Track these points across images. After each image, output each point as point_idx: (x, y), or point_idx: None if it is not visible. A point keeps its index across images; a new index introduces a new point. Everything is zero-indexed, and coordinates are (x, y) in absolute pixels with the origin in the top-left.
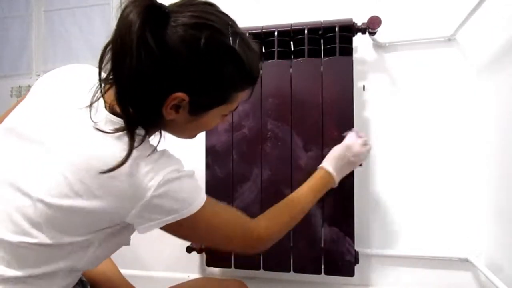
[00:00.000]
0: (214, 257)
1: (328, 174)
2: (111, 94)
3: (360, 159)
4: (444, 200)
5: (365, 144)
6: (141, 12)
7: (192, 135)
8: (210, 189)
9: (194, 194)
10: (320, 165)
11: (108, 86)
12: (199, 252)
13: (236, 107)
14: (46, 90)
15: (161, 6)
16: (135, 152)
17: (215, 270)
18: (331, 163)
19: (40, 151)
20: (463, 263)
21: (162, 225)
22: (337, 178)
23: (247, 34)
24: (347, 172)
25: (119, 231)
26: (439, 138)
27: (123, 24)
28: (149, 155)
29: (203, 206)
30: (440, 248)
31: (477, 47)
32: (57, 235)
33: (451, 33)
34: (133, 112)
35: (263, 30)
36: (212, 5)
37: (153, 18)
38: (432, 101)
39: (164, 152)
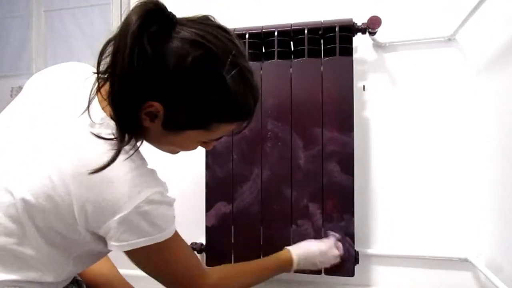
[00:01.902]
0: (214, 257)
1: (291, 263)
2: (106, 90)
3: (323, 265)
4: (444, 200)
5: (337, 256)
6: (142, 15)
7: (170, 151)
8: (210, 189)
9: (169, 223)
10: (289, 249)
11: (102, 82)
12: (199, 252)
13: (220, 138)
14: (38, 88)
15: (167, 13)
16: (127, 164)
17: None
18: (299, 255)
19: (28, 149)
20: (463, 263)
21: (132, 248)
22: (294, 269)
23: (251, 70)
24: (307, 267)
25: (99, 239)
26: (439, 138)
27: (125, 22)
28: (138, 168)
29: (172, 237)
30: (440, 248)
31: (477, 47)
32: (38, 238)
33: (451, 33)
34: (117, 112)
35: (263, 30)
36: (225, 30)
37: (154, 23)
38: (432, 101)
39: (153, 171)
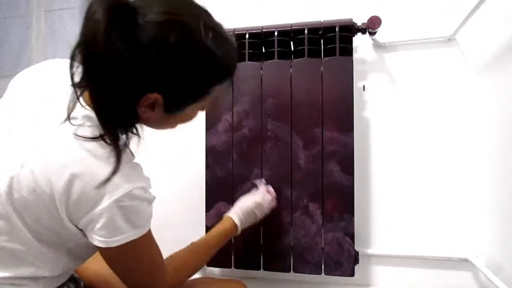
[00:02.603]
0: (214, 257)
1: (234, 225)
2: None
3: (263, 214)
4: (444, 200)
5: (272, 200)
6: (106, 11)
7: (172, 127)
8: (210, 189)
9: (145, 221)
10: (227, 215)
11: (80, 92)
12: None
13: (217, 98)
14: (24, 86)
15: (127, 2)
16: (111, 155)
17: (215, 270)
18: (238, 216)
19: (12, 144)
20: (463, 263)
21: (108, 245)
22: (240, 229)
23: (220, 25)
24: (250, 223)
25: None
26: (439, 138)
27: (89, 25)
28: (123, 162)
29: (145, 234)
30: (440, 248)
31: (477, 47)
32: (27, 233)
33: (451, 33)
34: (109, 114)
35: (263, 30)
36: None
37: (119, 17)
38: (432, 101)
39: (138, 165)
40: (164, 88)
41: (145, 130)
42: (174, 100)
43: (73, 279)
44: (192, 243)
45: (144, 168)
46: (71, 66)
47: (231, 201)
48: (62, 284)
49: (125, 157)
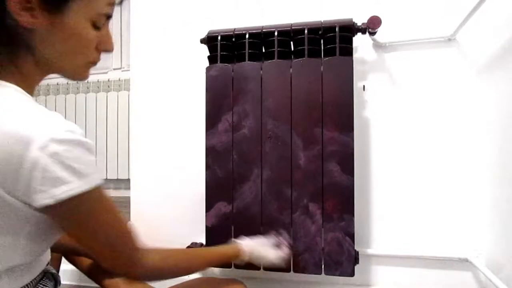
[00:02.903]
0: None
1: (241, 252)
2: None
3: (267, 263)
4: (444, 200)
5: (282, 259)
6: None
7: (75, 63)
8: (210, 189)
9: (91, 169)
10: (240, 243)
11: None
12: None
13: (107, 13)
14: None
15: None
16: (17, 96)
17: (215, 270)
18: (249, 248)
19: None
20: (463, 263)
21: (54, 200)
22: (245, 257)
23: None
24: (254, 261)
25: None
26: (439, 138)
27: None
28: (31, 101)
29: (98, 189)
30: (440, 248)
31: (477, 47)
32: None
33: (451, 33)
34: None
35: (263, 30)
36: None
37: None
38: (432, 101)
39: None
40: None
41: (146, 131)
42: None
43: (50, 275)
44: (194, 250)
45: (144, 168)
46: None
47: (231, 201)
48: (39, 280)
49: (23, 97)
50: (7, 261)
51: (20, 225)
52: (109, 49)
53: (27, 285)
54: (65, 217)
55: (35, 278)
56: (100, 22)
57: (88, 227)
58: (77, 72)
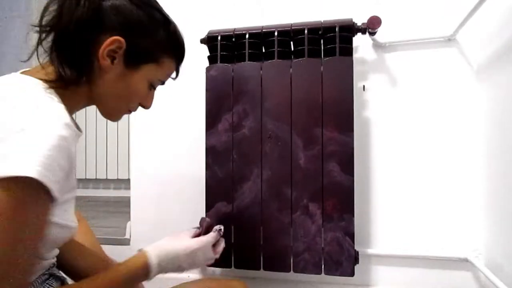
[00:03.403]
0: None
1: (148, 269)
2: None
3: (193, 266)
4: (444, 200)
5: (212, 259)
6: None
7: (117, 106)
8: (210, 189)
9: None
10: (144, 250)
11: (44, 35)
12: None
13: (163, 81)
14: None
15: None
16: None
17: (215, 270)
18: (159, 257)
19: None
20: (463, 263)
21: None
22: (154, 273)
23: None
24: (172, 270)
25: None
26: (439, 138)
27: None
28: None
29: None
30: (440, 248)
31: (477, 47)
32: None
33: (451, 33)
34: (63, 53)
35: (263, 30)
36: None
37: None
38: (432, 101)
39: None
40: (127, 32)
41: (146, 131)
42: (134, 49)
43: (57, 277)
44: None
45: (144, 168)
46: (45, 9)
47: (231, 201)
48: (44, 280)
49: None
50: None
51: None
52: (147, 107)
53: (33, 282)
54: None
55: (37, 279)
56: (155, 85)
57: None
58: (113, 114)
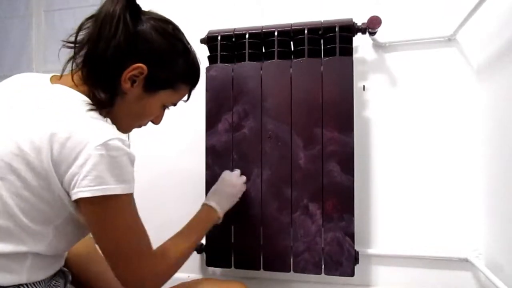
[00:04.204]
0: (214, 257)
1: (212, 209)
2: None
3: (237, 189)
4: (444, 200)
5: (240, 175)
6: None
7: (131, 123)
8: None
9: (129, 177)
10: (203, 202)
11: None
12: (199, 252)
13: (175, 104)
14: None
15: (137, 4)
16: (91, 114)
17: (216, 270)
18: (212, 199)
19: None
20: (463, 263)
21: (91, 194)
22: (220, 212)
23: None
24: (229, 204)
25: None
26: (439, 138)
27: (109, 2)
28: (100, 119)
29: (129, 197)
30: (439, 248)
31: (477, 47)
32: (11, 207)
33: (451, 33)
34: (96, 76)
35: (263, 30)
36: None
37: (132, 6)
38: (432, 101)
39: (111, 126)
40: (150, 61)
41: (146, 131)
42: (154, 76)
43: (61, 273)
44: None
45: (144, 168)
46: (80, 28)
47: None
48: (51, 278)
49: (98, 115)
50: (35, 245)
51: (52, 217)
52: (157, 123)
53: (42, 280)
54: (94, 212)
55: (48, 277)
56: (168, 106)
57: (112, 228)
58: (126, 128)
